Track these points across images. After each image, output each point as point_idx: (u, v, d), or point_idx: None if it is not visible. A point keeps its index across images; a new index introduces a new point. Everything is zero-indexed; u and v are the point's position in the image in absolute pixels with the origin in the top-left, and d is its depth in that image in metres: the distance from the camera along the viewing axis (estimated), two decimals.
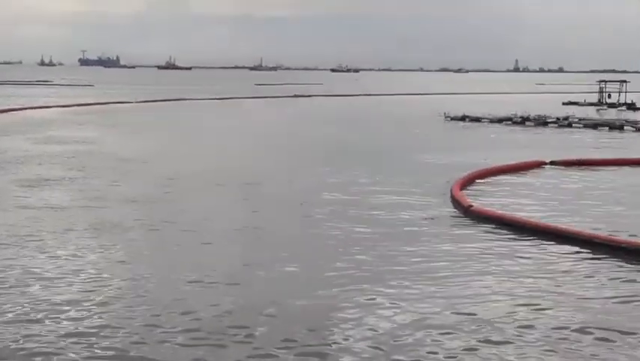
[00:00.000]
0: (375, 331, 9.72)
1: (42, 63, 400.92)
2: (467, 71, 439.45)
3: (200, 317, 10.14)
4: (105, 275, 12.02)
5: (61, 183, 21.16)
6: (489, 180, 22.62)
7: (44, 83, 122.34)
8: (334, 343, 9.31)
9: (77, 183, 21.23)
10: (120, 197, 18.91)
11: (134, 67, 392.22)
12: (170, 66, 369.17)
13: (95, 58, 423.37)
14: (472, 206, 17.44)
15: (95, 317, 10.10)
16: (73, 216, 16.58)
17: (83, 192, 19.68)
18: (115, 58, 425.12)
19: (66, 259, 12.99)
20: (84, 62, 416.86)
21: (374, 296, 11.12)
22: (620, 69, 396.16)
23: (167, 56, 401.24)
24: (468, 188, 20.57)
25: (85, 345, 9.14)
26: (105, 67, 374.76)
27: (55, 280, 11.73)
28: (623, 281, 12.18)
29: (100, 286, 11.41)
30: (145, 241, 14.54)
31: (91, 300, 10.76)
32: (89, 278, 11.86)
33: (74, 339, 9.31)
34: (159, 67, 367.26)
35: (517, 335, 9.62)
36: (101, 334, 9.48)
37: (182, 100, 72.22)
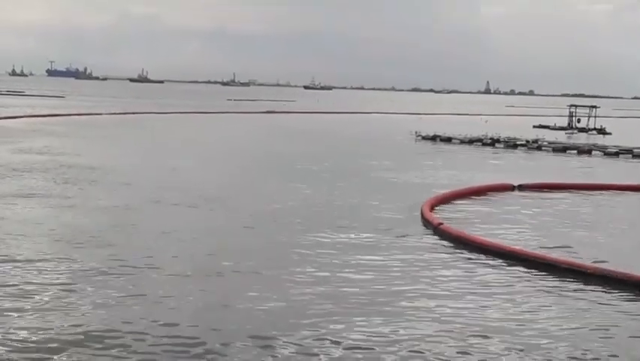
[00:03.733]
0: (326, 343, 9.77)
1: (13, 73, 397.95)
2: (449, 92, 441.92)
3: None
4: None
5: (35, 194, 21.03)
6: (458, 201, 22.75)
7: (17, 93, 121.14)
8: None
9: (50, 193, 21.12)
10: (92, 206, 18.85)
11: (105, 79, 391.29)
12: (142, 79, 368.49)
13: (63, 69, 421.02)
14: (441, 224, 17.56)
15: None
16: (46, 224, 16.51)
17: (53, 201, 19.63)
18: (83, 69, 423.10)
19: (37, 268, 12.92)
20: (52, 73, 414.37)
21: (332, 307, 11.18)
22: (589, 94, 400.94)
23: (139, 68, 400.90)
24: (437, 208, 20.68)
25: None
26: (77, 78, 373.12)
27: None
28: (582, 307, 12.28)
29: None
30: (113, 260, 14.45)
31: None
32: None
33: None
34: (131, 79, 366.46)
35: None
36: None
37: (155, 113, 72.06)
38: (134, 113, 70.66)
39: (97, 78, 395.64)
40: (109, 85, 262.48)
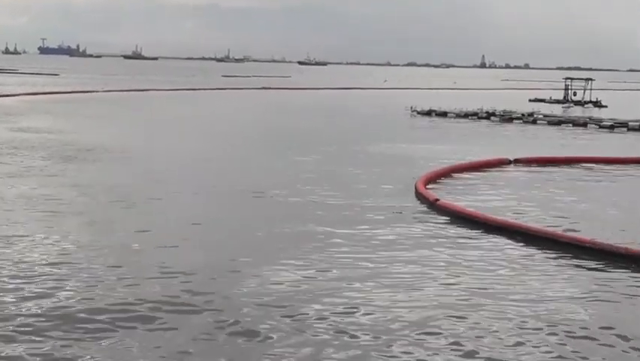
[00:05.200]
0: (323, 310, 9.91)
1: (7, 51, 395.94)
2: (447, 67, 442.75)
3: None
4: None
5: (36, 173, 21.09)
6: (454, 176, 22.85)
7: (11, 71, 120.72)
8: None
9: (50, 172, 21.18)
10: (92, 185, 18.93)
11: (99, 56, 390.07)
12: (137, 56, 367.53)
13: (55, 47, 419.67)
14: (437, 200, 17.65)
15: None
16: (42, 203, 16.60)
17: (53, 180, 19.70)
18: (76, 47, 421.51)
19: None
20: (44, 51, 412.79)
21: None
22: (585, 67, 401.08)
23: (133, 45, 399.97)
24: (432, 184, 20.77)
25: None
26: (70, 56, 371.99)
27: None
28: (579, 280, 12.41)
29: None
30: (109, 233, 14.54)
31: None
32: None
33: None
34: (125, 56, 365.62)
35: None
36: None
37: (150, 90, 71.94)
38: (129, 90, 70.56)
39: (90, 56, 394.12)
40: (103, 62, 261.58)
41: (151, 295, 10.72)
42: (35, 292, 10.79)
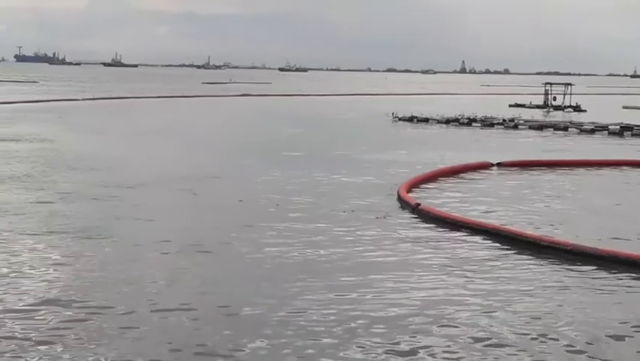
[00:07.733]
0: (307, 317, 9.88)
1: None
2: (435, 72, 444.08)
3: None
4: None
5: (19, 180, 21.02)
6: (437, 181, 22.86)
7: None
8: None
9: (32, 180, 21.05)
10: (75, 193, 18.83)
11: (79, 64, 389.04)
12: (116, 63, 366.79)
13: (32, 54, 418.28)
14: (419, 205, 17.66)
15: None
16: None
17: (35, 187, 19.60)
18: (52, 54, 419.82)
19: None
20: (20, 58, 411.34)
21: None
22: (564, 71, 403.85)
23: (112, 53, 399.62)
24: (415, 189, 20.79)
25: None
26: (50, 64, 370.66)
27: None
28: (560, 282, 12.44)
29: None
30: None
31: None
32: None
33: None
34: (105, 64, 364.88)
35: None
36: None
37: (133, 98, 71.71)
38: (111, 98, 70.28)
39: (70, 63, 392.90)
40: (83, 70, 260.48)
41: None
42: None
